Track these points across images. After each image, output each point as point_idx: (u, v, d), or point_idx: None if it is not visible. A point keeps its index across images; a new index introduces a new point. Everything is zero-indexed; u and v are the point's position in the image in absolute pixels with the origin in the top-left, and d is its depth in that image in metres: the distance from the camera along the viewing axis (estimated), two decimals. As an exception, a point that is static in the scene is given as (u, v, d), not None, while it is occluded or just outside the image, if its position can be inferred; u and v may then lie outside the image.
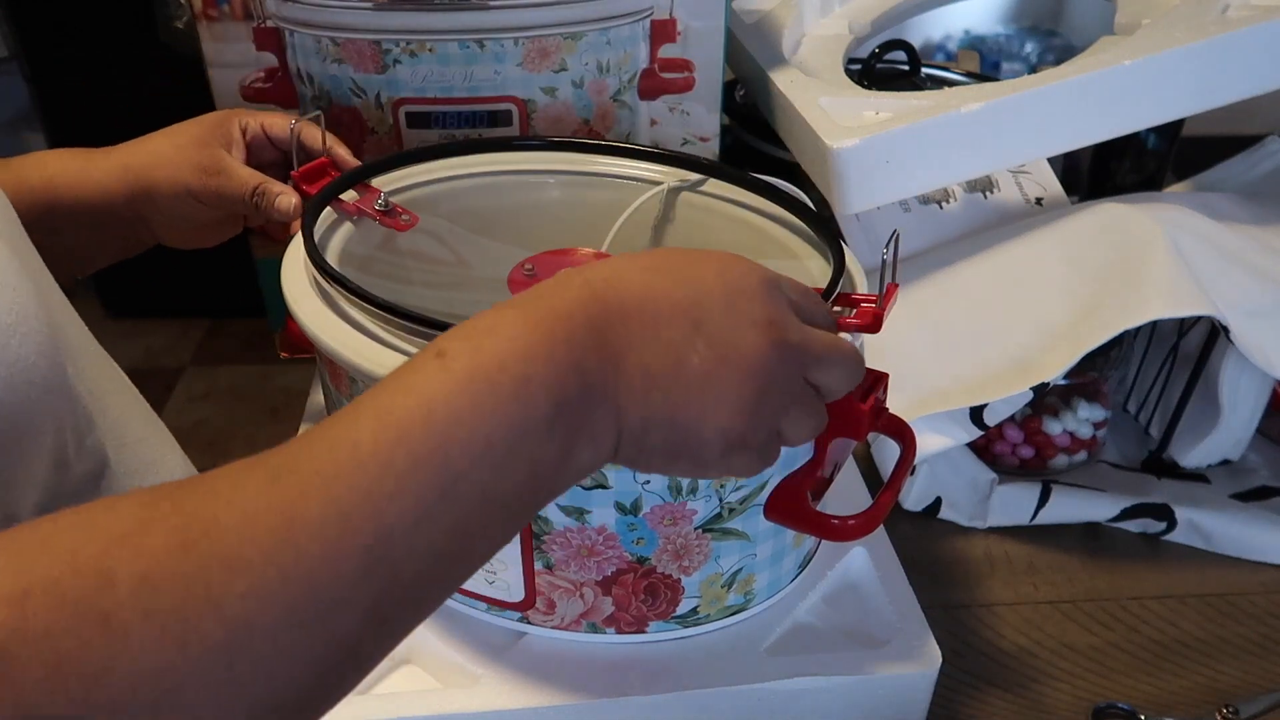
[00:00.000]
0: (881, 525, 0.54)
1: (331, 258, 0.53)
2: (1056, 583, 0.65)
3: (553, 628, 0.51)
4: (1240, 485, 0.72)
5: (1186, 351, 0.71)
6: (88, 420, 0.43)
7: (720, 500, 0.47)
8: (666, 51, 0.71)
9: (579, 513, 0.46)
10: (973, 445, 0.71)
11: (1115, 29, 0.73)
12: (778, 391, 0.37)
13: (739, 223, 0.60)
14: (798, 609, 0.55)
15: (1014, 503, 0.69)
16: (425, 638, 0.52)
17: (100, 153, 0.58)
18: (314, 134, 0.59)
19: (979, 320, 0.68)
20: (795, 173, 0.71)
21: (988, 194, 0.78)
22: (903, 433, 0.51)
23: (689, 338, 0.35)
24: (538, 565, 0.49)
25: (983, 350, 0.67)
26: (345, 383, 0.49)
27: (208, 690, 0.25)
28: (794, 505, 0.48)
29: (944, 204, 0.77)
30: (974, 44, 1.24)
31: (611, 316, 0.34)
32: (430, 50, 0.67)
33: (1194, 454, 0.72)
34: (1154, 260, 0.64)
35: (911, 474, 0.69)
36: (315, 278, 0.50)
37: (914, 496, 0.69)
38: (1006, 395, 0.64)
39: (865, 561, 0.57)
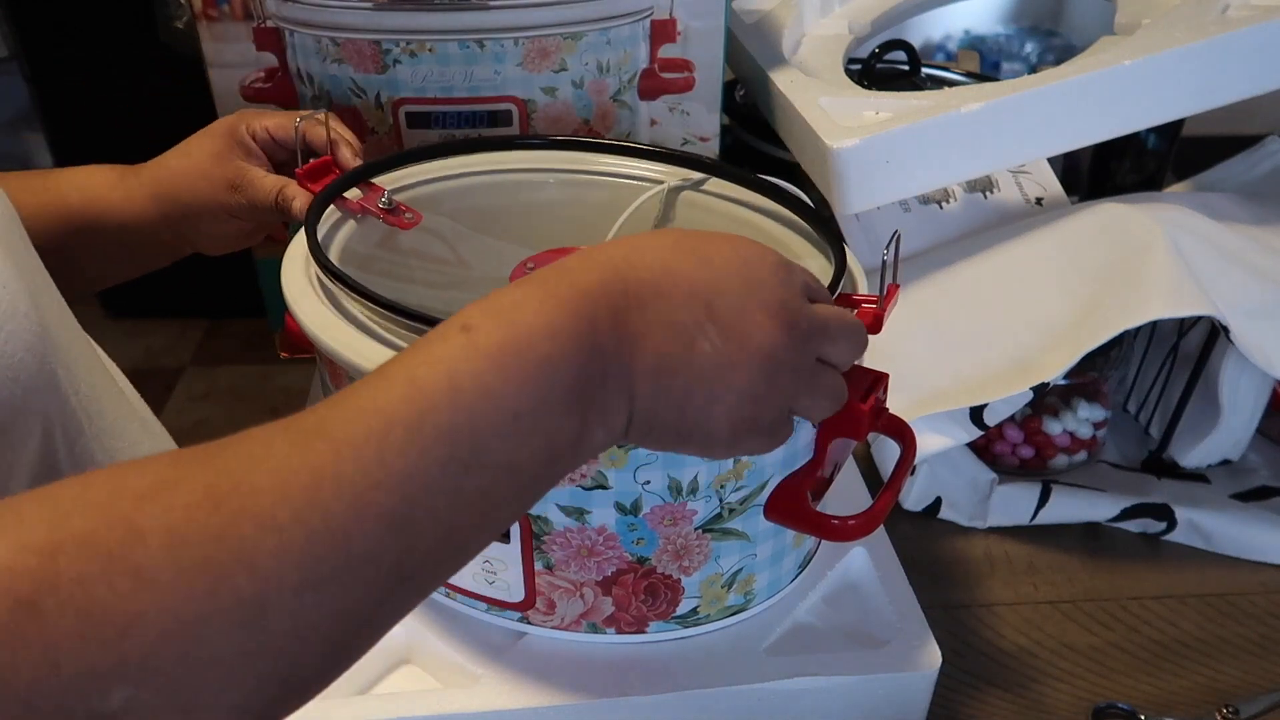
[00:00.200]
0: (881, 525, 0.54)
1: (333, 256, 0.53)
2: (1056, 583, 0.65)
3: (553, 628, 0.51)
4: (1240, 485, 0.72)
5: (1186, 351, 0.71)
6: (77, 424, 0.43)
7: (720, 500, 0.47)
8: (666, 51, 0.71)
9: (579, 513, 0.46)
10: (973, 445, 0.71)
11: (1115, 29, 0.73)
12: (788, 374, 0.37)
13: (740, 222, 0.60)
14: (798, 609, 0.55)
15: (1014, 503, 0.69)
16: (425, 638, 0.52)
17: (133, 174, 0.59)
18: (320, 133, 0.59)
19: (979, 320, 0.68)
20: (795, 173, 0.71)
21: (988, 194, 0.78)
22: (903, 433, 0.51)
23: (701, 323, 0.35)
24: (538, 565, 0.49)
25: (983, 350, 0.67)
26: (345, 382, 0.49)
27: (235, 644, 0.26)
28: (794, 505, 0.48)
29: (944, 204, 0.77)
30: (974, 44, 1.24)
31: (630, 299, 0.34)
32: (430, 50, 0.67)
33: (1194, 454, 0.72)
34: (1154, 260, 0.64)
35: (911, 474, 0.69)
36: (317, 276, 0.50)
37: (914, 496, 0.69)
38: (1006, 395, 0.64)
39: (865, 561, 0.57)
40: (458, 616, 0.53)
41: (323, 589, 0.27)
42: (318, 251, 0.49)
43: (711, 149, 0.76)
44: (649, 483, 0.46)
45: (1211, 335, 0.68)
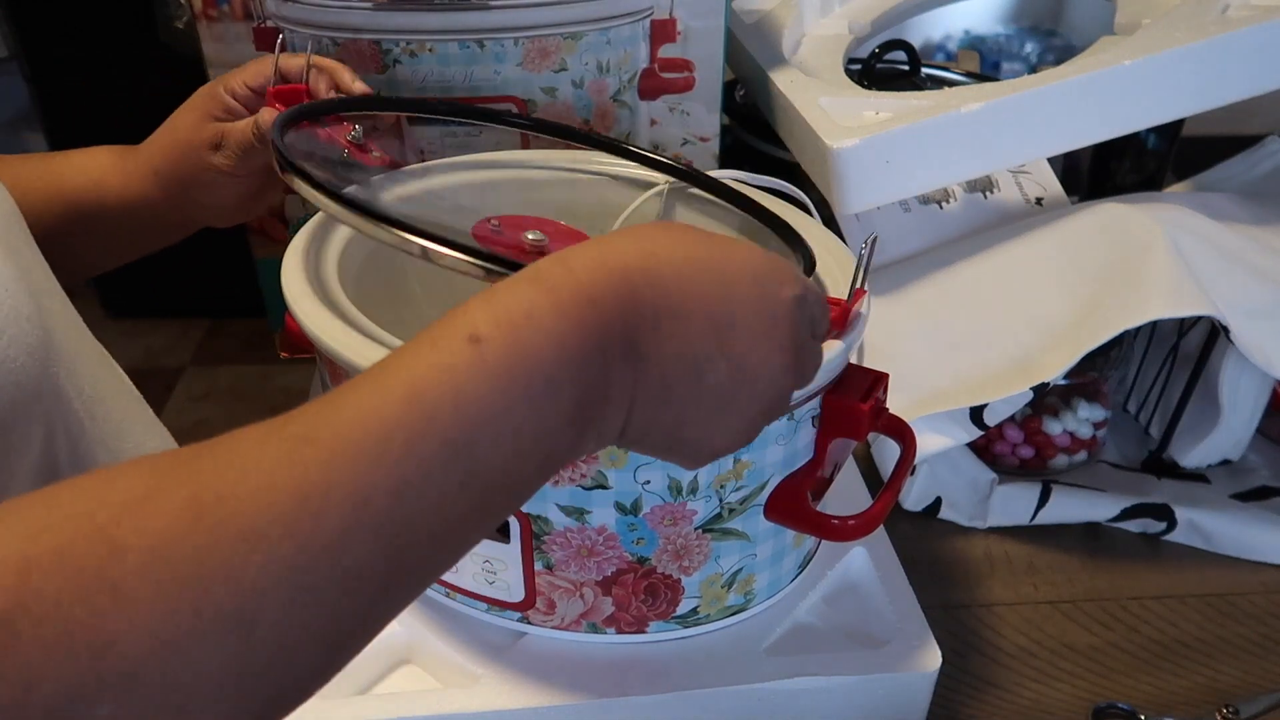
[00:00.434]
0: (881, 525, 0.54)
1: (331, 259, 0.53)
2: (1056, 583, 0.65)
3: (553, 628, 0.51)
4: (1240, 485, 0.72)
5: (1186, 351, 0.71)
6: (80, 426, 0.43)
7: (720, 500, 0.47)
8: (666, 51, 0.71)
9: (579, 513, 0.46)
10: (973, 445, 0.71)
11: (1115, 29, 0.73)
12: (780, 406, 0.38)
13: (741, 220, 0.60)
14: (798, 609, 0.55)
15: (1014, 503, 0.69)
16: (425, 638, 0.52)
17: (131, 154, 0.59)
18: (295, 64, 0.59)
19: (979, 320, 0.68)
20: (795, 173, 0.71)
21: (988, 194, 0.78)
22: (903, 433, 0.51)
23: (713, 356, 0.34)
24: (538, 565, 0.49)
25: (983, 350, 0.67)
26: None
27: (221, 660, 0.25)
28: (794, 505, 0.48)
29: (944, 204, 0.77)
30: (974, 44, 1.24)
31: (645, 319, 0.33)
32: (430, 50, 0.67)
33: (1194, 454, 0.72)
34: (1154, 260, 0.64)
35: (911, 474, 0.69)
36: (312, 277, 0.50)
37: (914, 496, 0.69)
38: (1006, 395, 0.64)
39: (865, 561, 0.57)
40: (458, 616, 0.53)
41: (312, 602, 0.27)
42: (281, 154, 0.47)
43: (711, 149, 0.76)
44: (649, 483, 0.46)
45: (1211, 335, 0.68)
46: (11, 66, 0.84)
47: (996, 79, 0.83)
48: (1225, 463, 0.73)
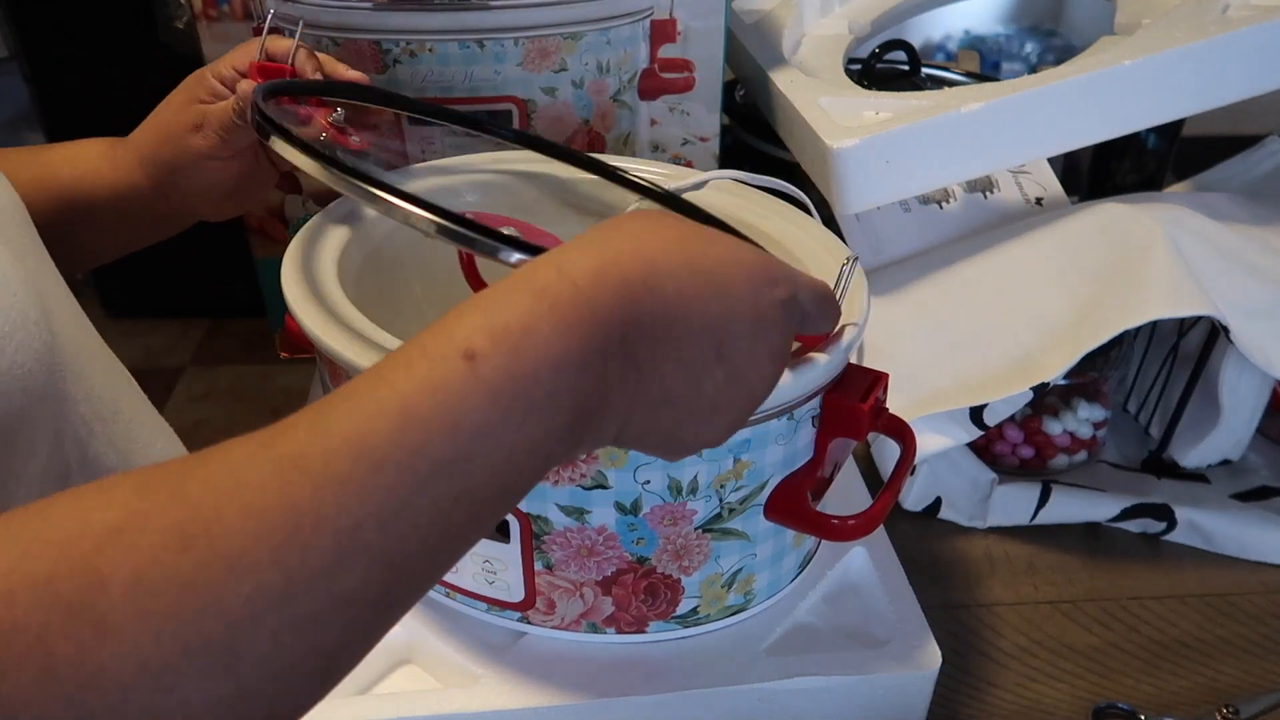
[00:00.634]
0: (881, 525, 0.54)
1: (330, 259, 0.53)
2: (1056, 583, 0.65)
3: (553, 628, 0.51)
4: (1240, 485, 0.72)
5: (1186, 351, 0.71)
6: (89, 429, 0.43)
7: (720, 500, 0.47)
8: (666, 51, 0.71)
9: (579, 513, 0.46)
10: (973, 445, 0.71)
11: (1115, 29, 0.73)
12: (763, 400, 0.38)
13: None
14: (798, 609, 0.55)
15: (1014, 503, 0.69)
16: (425, 638, 0.52)
17: (121, 144, 0.58)
18: (282, 46, 0.57)
19: (979, 320, 0.68)
20: (795, 173, 0.71)
21: (988, 194, 0.78)
22: (903, 433, 0.51)
23: (709, 364, 0.34)
24: (538, 565, 0.49)
25: (983, 350, 0.67)
26: (345, 382, 0.49)
27: (208, 692, 0.25)
28: (794, 505, 0.48)
29: (944, 204, 0.77)
30: (974, 44, 1.24)
31: (643, 329, 0.32)
32: (430, 50, 0.67)
33: (1194, 454, 0.72)
34: (1154, 260, 0.64)
35: (911, 474, 0.69)
36: (312, 277, 0.50)
37: (914, 496, 0.69)
38: (1006, 395, 0.64)
39: (865, 561, 0.57)
40: (458, 616, 0.53)
41: (302, 630, 0.26)
42: (261, 114, 0.47)
43: (711, 149, 0.76)
44: (649, 482, 0.46)
45: (1211, 335, 0.68)
46: (11, 66, 0.84)
47: (996, 79, 0.83)
48: (1225, 463, 0.73)
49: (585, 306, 0.31)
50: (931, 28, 1.25)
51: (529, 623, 0.51)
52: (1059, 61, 0.69)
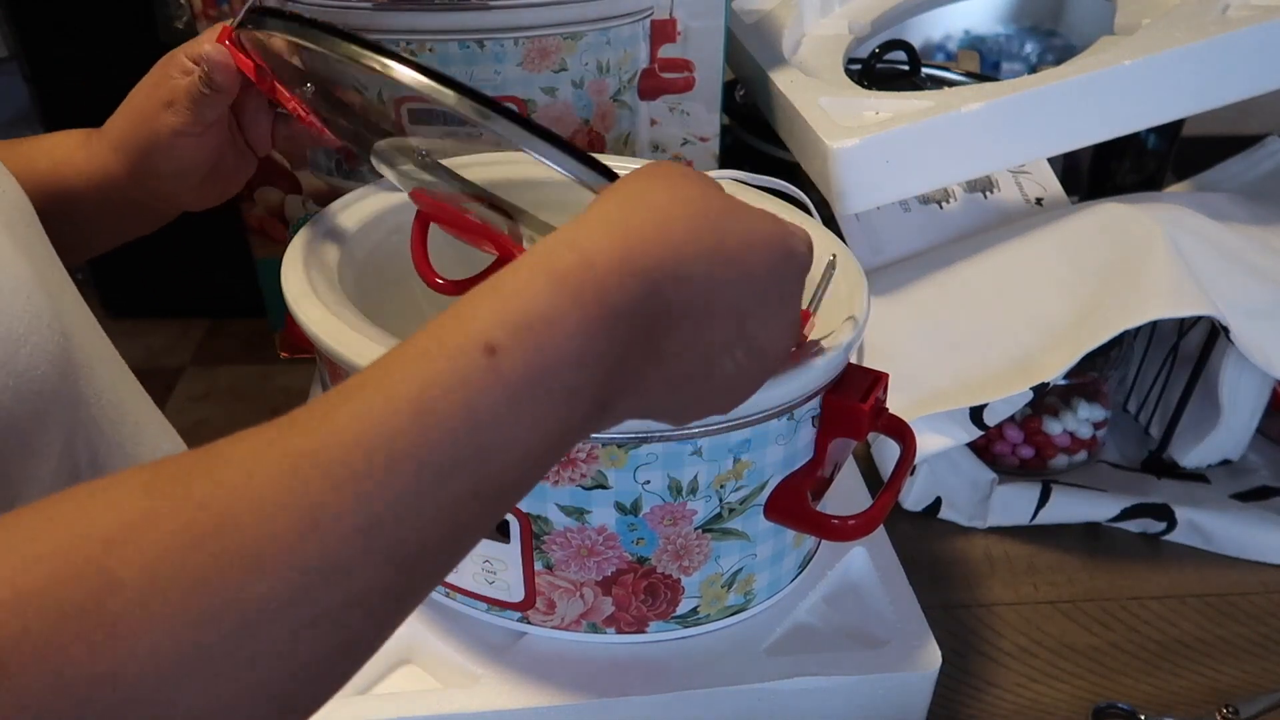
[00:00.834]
0: (881, 525, 0.54)
1: (330, 258, 0.53)
2: (1056, 583, 0.65)
3: (553, 628, 0.51)
4: (1240, 485, 0.72)
5: (1186, 351, 0.71)
6: (99, 431, 0.43)
7: (720, 500, 0.47)
8: (666, 51, 0.71)
9: (579, 513, 0.46)
10: (973, 445, 0.71)
11: (1115, 29, 0.73)
12: (776, 371, 0.39)
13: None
14: (798, 609, 0.55)
15: (1014, 503, 0.69)
16: (425, 638, 0.52)
17: (97, 134, 0.57)
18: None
19: (979, 320, 0.68)
20: (795, 173, 0.71)
21: (988, 194, 0.78)
22: (903, 433, 0.51)
23: (731, 344, 0.34)
24: (538, 565, 0.49)
25: (983, 350, 0.67)
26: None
27: (224, 690, 0.25)
28: (794, 505, 0.48)
29: (944, 204, 0.77)
30: (974, 44, 1.24)
31: (668, 320, 0.32)
32: (430, 50, 0.67)
33: (1194, 454, 0.72)
34: (1154, 260, 0.64)
35: (911, 474, 0.69)
36: (312, 277, 0.50)
37: (914, 496, 0.69)
38: (1006, 395, 0.64)
39: (865, 561, 0.57)
40: (458, 616, 0.53)
41: (318, 627, 0.26)
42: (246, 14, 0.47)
43: (711, 149, 0.76)
44: (649, 482, 0.46)
45: (1211, 335, 0.68)
46: (11, 66, 0.84)
47: (996, 79, 0.83)
48: (1225, 463, 0.73)
49: (608, 297, 0.30)
50: (931, 28, 1.25)
51: (529, 623, 0.51)
52: (1059, 61, 0.69)
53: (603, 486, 0.45)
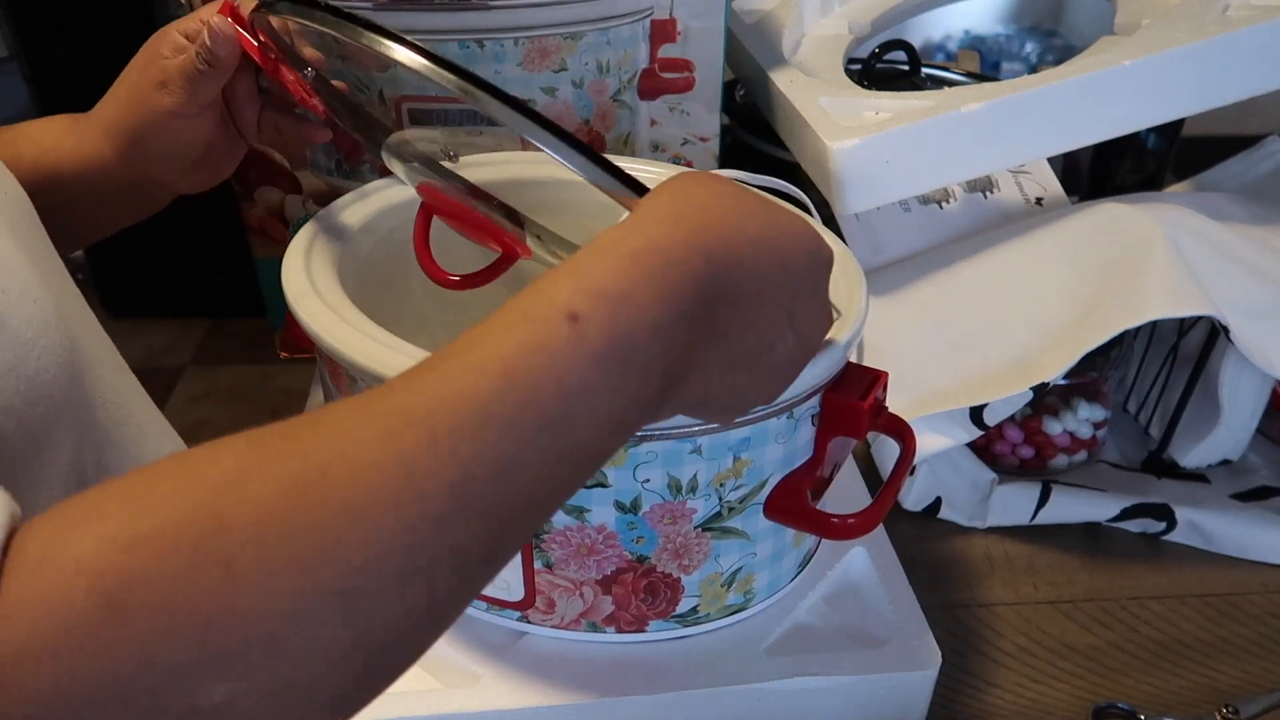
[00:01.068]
0: (881, 525, 0.54)
1: (330, 258, 0.53)
2: (1056, 583, 0.65)
3: (553, 627, 0.51)
4: (1240, 485, 0.72)
5: (1186, 351, 0.71)
6: (105, 433, 0.43)
7: (720, 499, 0.47)
8: (666, 51, 0.71)
9: (579, 511, 0.46)
10: (973, 445, 0.71)
11: (1115, 29, 0.73)
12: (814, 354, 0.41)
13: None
14: (798, 609, 0.55)
15: (1014, 503, 0.69)
16: (425, 637, 0.52)
17: (84, 119, 0.56)
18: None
19: (979, 320, 0.68)
20: (795, 173, 0.71)
21: (988, 194, 0.78)
22: (902, 432, 0.51)
23: (781, 328, 0.36)
24: (537, 564, 0.49)
25: (983, 350, 0.67)
26: (345, 382, 0.49)
27: (329, 636, 0.25)
28: (794, 504, 0.48)
29: (944, 204, 0.77)
30: (974, 44, 1.24)
31: (725, 299, 0.34)
32: (430, 50, 0.67)
33: (1194, 454, 0.72)
34: (1154, 260, 0.64)
35: (911, 474, 0.69)
36: (313, 276, 0.50)
37: (914, 496, 0.69)
38: (1006, 395, 0.64)
39: (865, 561, 0.57)
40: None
41: (416, 580, 0.27)
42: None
43: (711, 149, 0.76)
44: (648, 481, 0.46)
45: (1211, 335, 0.68)
46: (11, 66, 0.84)
47: (996, 79, 0.83)
48: (1225, 463, 0.73)
49: (676, 274, 0.32)
50: (931, 28, 1.25)
51: (529, 622, 0.51)
52: (1059, 61, 0.69)
53: (602, 485, 0.45)
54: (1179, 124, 0.89)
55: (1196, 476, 0.73)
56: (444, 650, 0.52)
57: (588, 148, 0.40)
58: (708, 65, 0.72)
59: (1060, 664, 0.59)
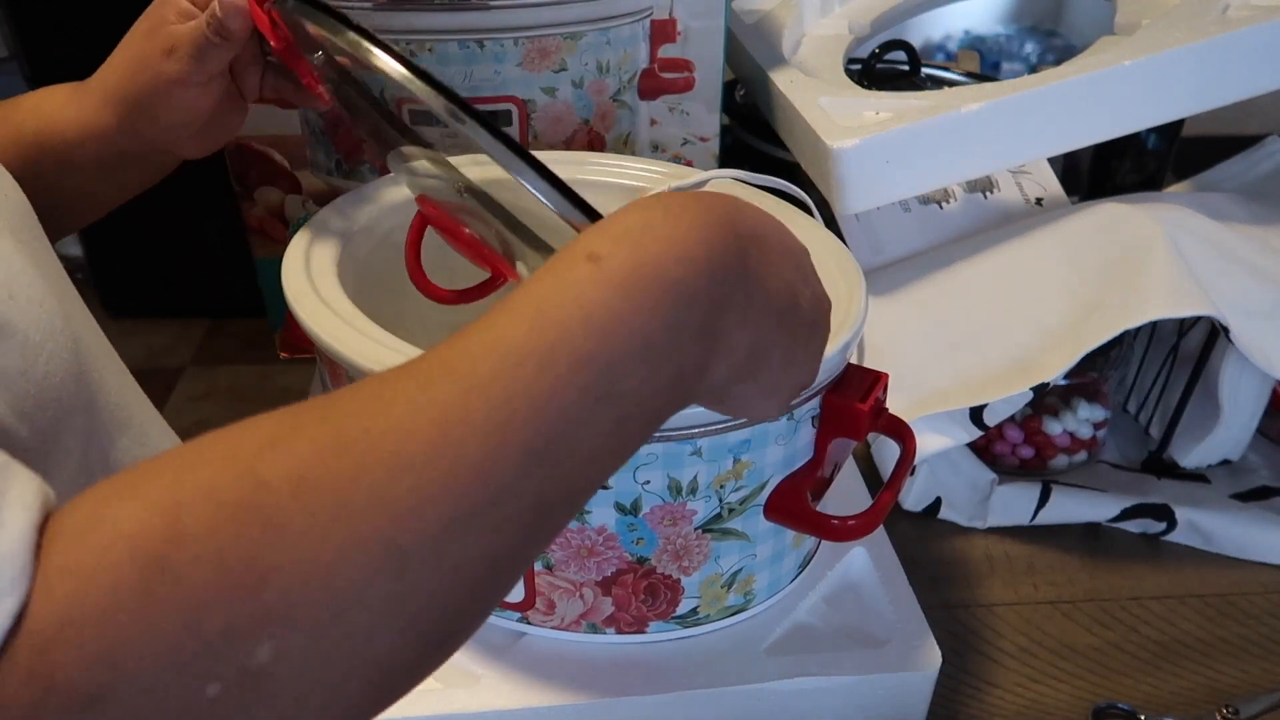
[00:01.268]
0: (881, 525, 0.54)
1: (330, 258, 0.53)
2: (1056, 583, 0.65)
3: (553, 628, 0.51)
4: (1240, 485, 0.72)
5: (1186, 351, 0.71)
6: (109, 435, 0.43)
7: (720, 500, 0.47)
8: (666, 51, 0.71)
9: (579, 513, 0.46)
10: (973, 445, 0.71)
11: (1115, 29, 0.73)
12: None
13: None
14: (798, 609, 0.55)
15: (1014, 503, 0.69)
16: (425, 638, 0.52)
17: (83, 87, 0.55)
18: None
19: (979, 320, 0.68)
20: (795, 173, 0.71)
21: (988, 194, 0.78)
22: (902, 433, 0.51)
23: (798, 282, 0.36)
24: (538, 565, 0.49)
25: (983, 350, 0.67)
26: (345, 382, 0.49)
27: (379, 590, 0.25)
28: (794, 505, 0.48)
29: (944, 204, 0.77)
30: (974, 44, 1.24)
31: (749, 236, 0.34)
32: (430, 50, 0.67)
33: (1194, 454, 0.72)
34: (1154, 260, 0.64)
35: (911, 474, 0.69)
36: (313, 276, 0.50)
37: (914, 497, 0.69)
38: (1006, 395, 0.64)
39: (865, 561, 0.57)
40: (458, 616, 0.53)
41: (464, 530, 0.27)
42: None
43: (711, 149, 0.76)
44: (649, 482, 0.46)
45: (1211, 335, 0.68)
46: (11, 66, 0.84)
47: (996, 79, 0.83)
48: (1225, 463, 0.73)
49: (699, 208, 0.33)
50: (931, 28, 1.25)
51: (529, 623, 0.51)
52: (1059, 61, 0.69)
53: (603, 486, 0.45)
54: (1179, 124, 0.89)
55: (1196, 476, 0.73)
56: (444, 651, 0.52)
57: (540, 163, 0.40)
58: (708, 65, 0.72)
59: (1060, 664, 0.59)
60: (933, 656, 0.52)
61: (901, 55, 0.88)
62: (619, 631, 0.51)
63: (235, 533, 0.24)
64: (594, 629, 0.51)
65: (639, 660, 0.51)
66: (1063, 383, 0.69)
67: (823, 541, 0.57)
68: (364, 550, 0.25)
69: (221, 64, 0.51)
